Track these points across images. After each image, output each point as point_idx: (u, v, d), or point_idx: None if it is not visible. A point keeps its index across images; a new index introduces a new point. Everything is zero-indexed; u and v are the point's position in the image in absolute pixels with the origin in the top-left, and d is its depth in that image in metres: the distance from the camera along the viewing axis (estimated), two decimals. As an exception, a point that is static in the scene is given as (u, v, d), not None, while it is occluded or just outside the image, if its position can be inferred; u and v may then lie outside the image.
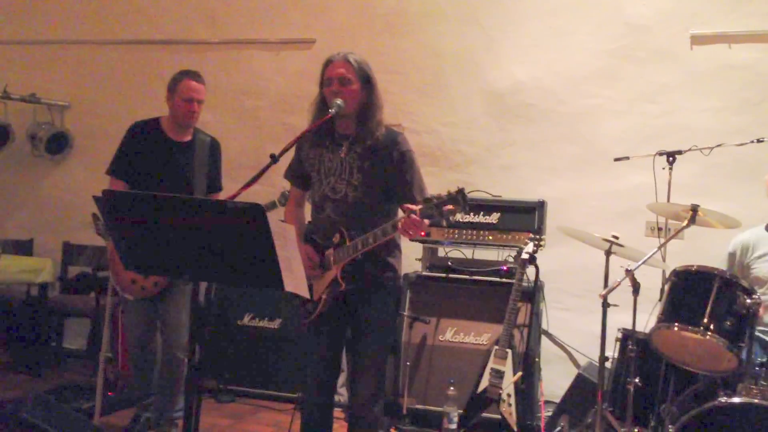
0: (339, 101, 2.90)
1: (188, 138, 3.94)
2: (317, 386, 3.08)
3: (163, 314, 3.89)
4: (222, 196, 4.01)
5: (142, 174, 3.82)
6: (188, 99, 3.82)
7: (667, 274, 3.56)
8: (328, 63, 2.99)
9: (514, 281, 4.12)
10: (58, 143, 6.06)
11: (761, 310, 3.28)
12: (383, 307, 3.05)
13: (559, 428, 4.11)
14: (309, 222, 3.25)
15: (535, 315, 4.42)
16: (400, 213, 3.03)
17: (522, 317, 4.35)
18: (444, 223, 2.77)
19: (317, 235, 3.04)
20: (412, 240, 4.48)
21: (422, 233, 2.75)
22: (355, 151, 2.99)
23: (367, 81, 2.98)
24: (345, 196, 2.98)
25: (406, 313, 4.55)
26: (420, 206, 2.69)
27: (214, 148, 4.03)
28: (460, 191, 2.64)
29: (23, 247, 5.93)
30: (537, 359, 4.46)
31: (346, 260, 2.91)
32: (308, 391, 3.12)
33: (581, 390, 4.16)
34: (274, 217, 2.18)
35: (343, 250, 2.91)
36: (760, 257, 3.87)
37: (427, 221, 2.70)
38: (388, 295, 3.08)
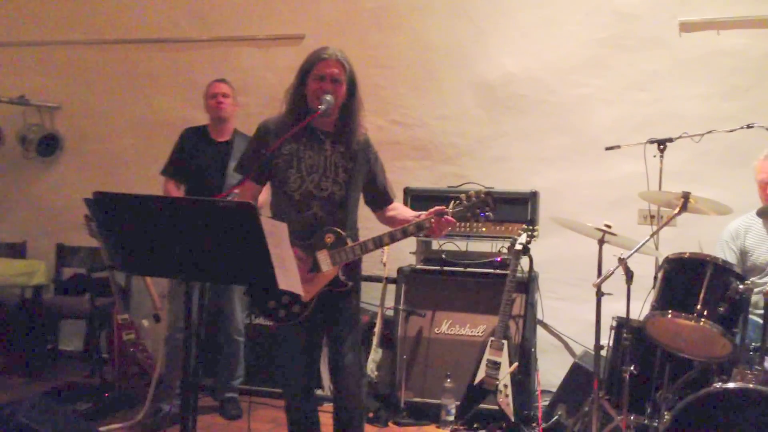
0: (329, 97, 2.89)
1: (227, 138, 4.45)
2: (301, 386, 3.08)
3: (217, 305, 4.44)
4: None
5: (188, 171, 4.38)
6: (213, 95, 4.44)
7: (660, 262, 3.57)
8: (321, 59, 2.95)
9: (508, 272, 4.14)
10: (48, 145, 6.03)
11: None
12: (354, 300, 3.09)
13: (556, 417, 4.13)
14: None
15: (530, 305, 4.43)
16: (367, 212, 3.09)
17: (517, 308, 4.36)
18: (474, 221, 2.97)
19: (302, 235, 2.95)
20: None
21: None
22: (339, 150, 3.00)
23: (352, 82, 3.00)
24: (332, 194, 2.97)
25: (401, 307, 4.56)
26: (451, 208, 2.85)
27: None
28: (489, 193, 2.79)
29: (16, 250, 5.91)
30: (533, 349, 4.48)
31: (350, 260, 2.91)
32: (292, 393, 3.11)
33: (577, 379, 4.19)
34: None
35: (346, 250, 2.89)
36: (753, 243, 3.88)
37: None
38: (357, 285, 3.13)
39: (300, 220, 2.97)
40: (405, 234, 2.86)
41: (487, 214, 2.84)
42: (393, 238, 2.86)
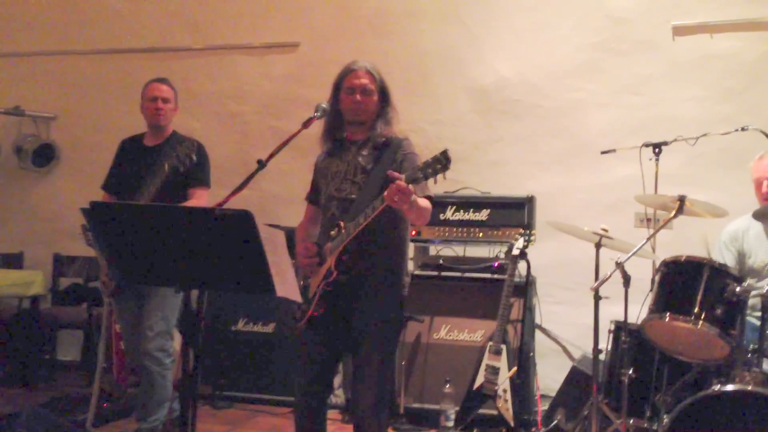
0: (324, 105, 2.92)
1: (160, 141, 4.04)
2: (307, 390, 3.06)
3: (137, 317, 3.88)
4: (210, 200, 3.97)
5: (120, 181, 4.04)
6: (152, 98, 3.99)
7: (657, 265, 3.58)
8: (350, 71, 2.99)
9: (506, 277, 4.14)
10: (44, 155, 6.04)
11: None
12: (382, 313, 2.97)
13: (555, 422, 4.13)
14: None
15: (528, 310, 4.43)
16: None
17: (515, 312, 4.36)
18: (426, 179, 2.66)
19: (322, 236, 3.02)
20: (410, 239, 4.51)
21: (407, 203, 2.65)
22: (361, 154, 3.00)
23: (383, 91, 3.02)
24: (349, 194, 2.97)
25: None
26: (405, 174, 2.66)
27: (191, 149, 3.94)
28: (444, 153, 2.61)
29: (13, 261, 5.90)
30: (531, 354, 4.48)
31: (341, 247, 2.89)
32: (299, 395, 3.10)
33: (576, 383, 4.18)
34: (262, 221, 2.18)
35: (338, 238, 2.89)
36: (751, 246, 3.89)
37: (413, 189, 2.63)
38: (387, 299, 2.99)
39: (324, 223, 3.05)
40: (374, 210, 2.77)
41: (436, 172, 2.61)
42: (366, 217, 2.79)
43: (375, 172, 2.95)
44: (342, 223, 2.90)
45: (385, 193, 2.65)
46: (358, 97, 2.96)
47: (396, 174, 2.63)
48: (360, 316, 2.95)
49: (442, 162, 2.61)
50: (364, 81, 2.97)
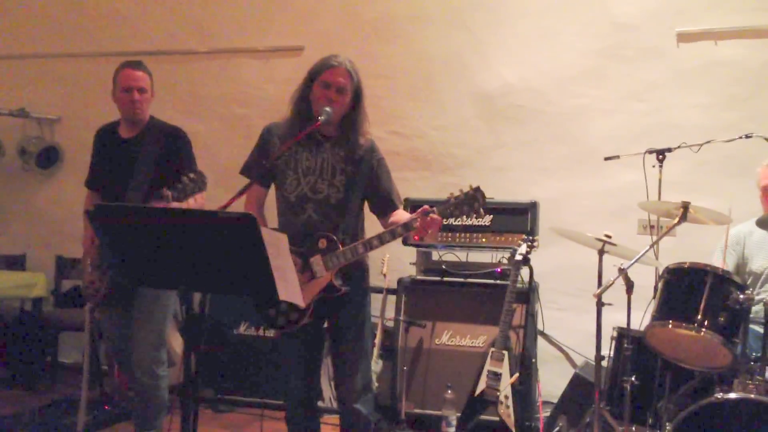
0: (328, 109, 2.88)
1: (136, 132, 3.67)
2: (300, 397, 3.07)
3: (129, 327, 3.65)
4: (213, 203, 3.86)
5: (97, 178, 3.77)
6: (127, 88, 3.58)
7: (660, 272, 3.57)
8: (329, 66, 2.93)
9: (508, 283, 4.13)
10: (48, 157, 6.05)
11: None
12: (358, 306, 3.03)
13: (557, 428, 4.12)
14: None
15: (531, 316, 4.43)
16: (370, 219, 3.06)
17: (517, 318, 4.35)
18: (465, 218, 2.85)
19: (297, 238, 2.91)
20: (405, 245, 4.52)
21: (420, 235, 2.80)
22: (338, 153, 2.99)
23: (357, 94, 2.99)
24: (327, 197, 2.95)
25: (401, 318, 4.55)
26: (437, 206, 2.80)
27: (171, 137, 3.67)
28: (477, 189, 2.69)
29: (16, 262, 5.90)
30: (534, 360, 4.47)
31: (342, 264, 2.89)
32: (291, 403, 3.10)
33: (578, 389, 4.17)
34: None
35: (338, 255, 2.87)
36: (752, 251, 3.89)
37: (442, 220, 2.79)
38: (361, 293, 3.06)
39: (295, 223, 2.99)
40: (393, 236, 2.83)
41: (472, 211, 2.80)
42: (382, 241, 2.84)
43: (355, 176, 2.98)
44: (332, 235, 2.90)
45: (418, 223, 2.77)
46: (332, 94, 2.92)
47: (430, 208, 2.77)
48: (338, 313, 3.00)
49: (477, 200, 2.81)
50: (342, 80, 2.93)
